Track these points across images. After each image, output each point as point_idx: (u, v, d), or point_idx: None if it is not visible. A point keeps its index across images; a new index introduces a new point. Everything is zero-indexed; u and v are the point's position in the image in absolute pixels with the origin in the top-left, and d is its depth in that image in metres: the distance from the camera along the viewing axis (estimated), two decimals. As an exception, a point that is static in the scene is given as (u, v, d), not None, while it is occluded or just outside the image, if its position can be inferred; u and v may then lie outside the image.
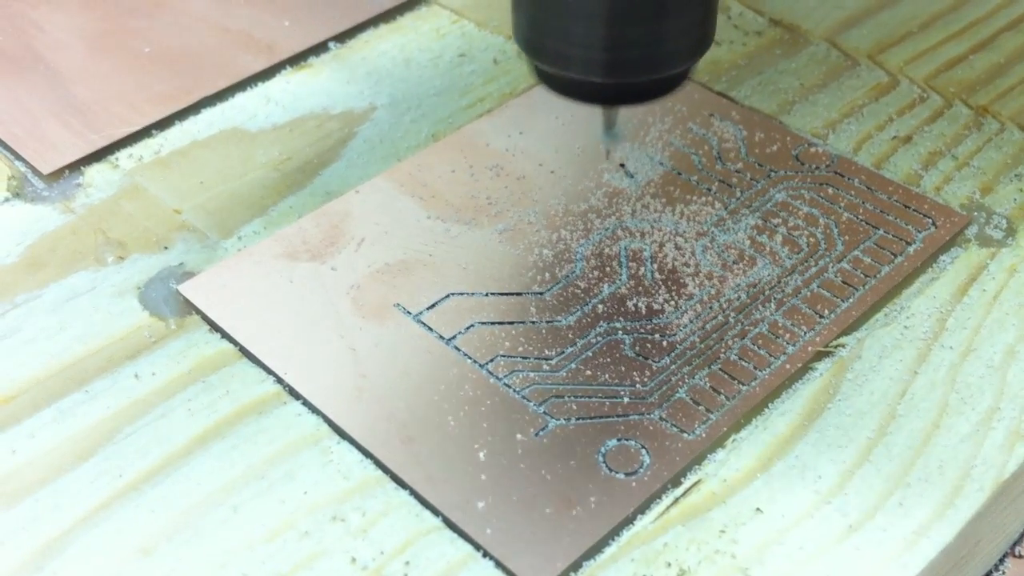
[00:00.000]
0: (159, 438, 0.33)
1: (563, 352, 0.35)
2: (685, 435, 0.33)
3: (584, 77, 0.32)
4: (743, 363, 0.34)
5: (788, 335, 0.35)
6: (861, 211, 0.39)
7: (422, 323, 0.36)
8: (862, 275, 0.37)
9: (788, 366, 0.34)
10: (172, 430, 0.33)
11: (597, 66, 0.31)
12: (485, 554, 0.30)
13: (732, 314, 0.36)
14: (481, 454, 0.32)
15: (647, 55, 0.31)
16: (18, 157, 0.42)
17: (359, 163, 0.42)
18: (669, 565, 0.30)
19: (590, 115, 0.43)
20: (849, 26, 0.48)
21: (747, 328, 0.35)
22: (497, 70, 0.46)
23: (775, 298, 0.36)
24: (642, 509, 0.31)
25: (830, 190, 0.40)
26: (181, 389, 0.34)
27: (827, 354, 0.35)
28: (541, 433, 0.33)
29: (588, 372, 0.34)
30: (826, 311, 0.36)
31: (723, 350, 0.35)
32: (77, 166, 0.42)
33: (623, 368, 0.34)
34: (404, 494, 0.31)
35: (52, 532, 0.31)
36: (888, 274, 0.37)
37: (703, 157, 0.41)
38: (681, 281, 0.37)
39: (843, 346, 0.35)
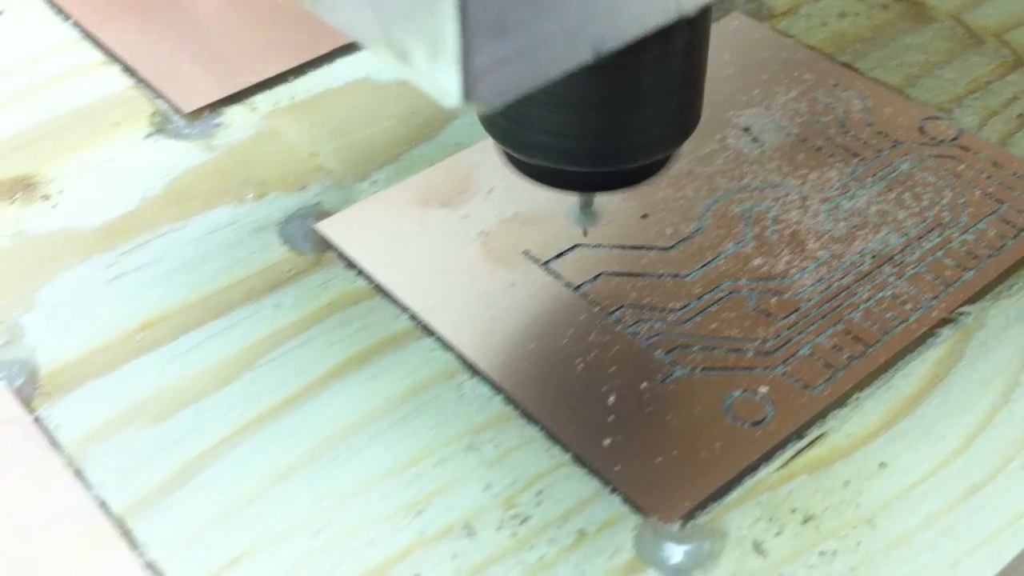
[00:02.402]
0: (299, 367, 0.34)
1: (688, 305, 0.36)
2: (809, 390, 0.33)
3: (558, 166, 0.30)
4: (867, 325, 0.35)
5: (912, 301, 0.36)
6: (986, 185, 0.39)
7: (550, 271, 0.37)
8: (986, 247, 0.37)
9: (912, 329, 0.35)
10: (312, 359, 0.34)
11: (572, 155, 0.29)
12: (613, 490, 0.31)
13: (856, 278, 0.36)
14: (609, 397, 0.33)
15: (625, 144, 0.29)
16: (159, 95, 0.44)
17: (487, 117, 0.43)
18: (794, 511, 0.30)
19: (713, 81, 0.43)
20: (975, 5, 0.48)
21: (871, 292, 0.36)
22: (622, 33, 0.47)
23: (899, 265, 0.37)
24: (766, 458, 0.32)
25: (955, 163, 0.40)
26: (319, 321, 0.35)
27: (951, 321, 0.35)
28: (667, 380, 0.34)
29: (713, 325, 0.35)
30: (950, 280, 0.36)
31: (847, 312, 0.35)
32: (216, 107, 0.43)
33: (747, 323, 0.35)
34: (535, 429, 0.32)
35: (196, 450, 0.32)
36: (1012, 247, 0.37)
37: (828, 126, 0.42)
38: (805, 244, 0.37)
39: (967, 314, 0.36)
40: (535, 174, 0.31)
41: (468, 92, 0.18)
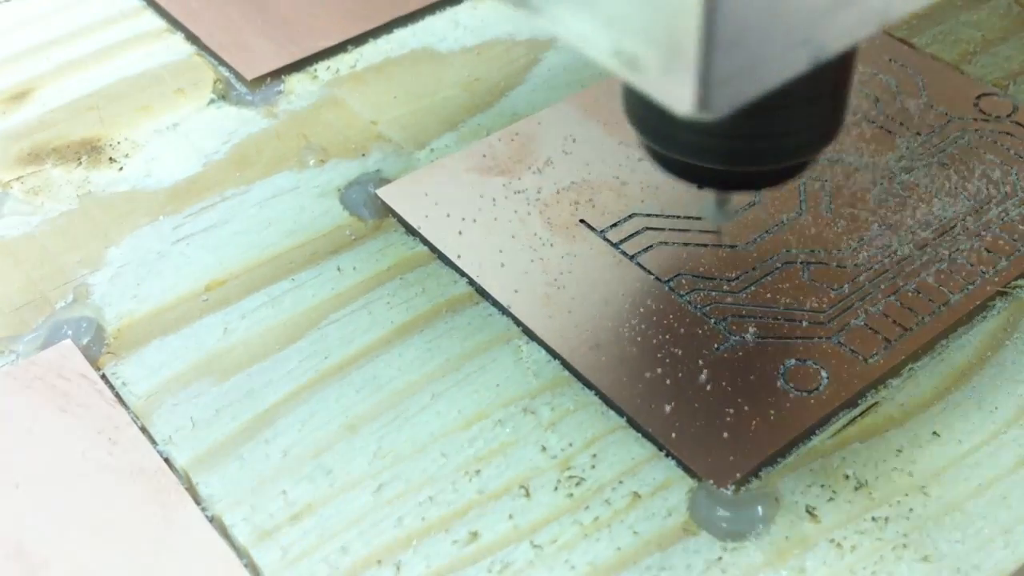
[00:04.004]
0: (362, 327, 0.35)
1: (743, 275, 0.36)
2: (863, 360, 0.34)
3: (697, 162, 0.30)
4: (921, 297, 0.35)
5: (966, 273, 0.36)
6: (1042, 160, 0.40)
7: (607, 240, 0.37)
8: (1041, 222, 0.38)
9: (966, 302, 0.35)
10: (374, 321, 0.35)
11: (712, 153, 0.29)
12: (668, 454, 0.32)
13: (910, 250, 0.37)
14: (664, 363, 0.34)
15: (769, 146, 0.29)
16: (222, 63, 0.44)
17: (543, 88, 0.44)
18: (847, 477, 0.31)
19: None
20: (1033, -19, 0.48)
21: (925, 264, 0.36)
22: (678, 7, 0.47)
23: (953, 238, 0.37)
24: (820, 425, 0.32)
25: (1010, 138, 0.40)
26: (380, 284, 0.36)
27: (1005, 294, 0.36)
28: (721, 348, 0.34)
29: (767, 295, 0.35)
30: (1004, 254, 0.36)
31: (901, 283, 0.36)
32: (278, 75, 0.44)
33: (801, 294, 0.35)
34: (591, 394, 0.33)
35: (264, 404, 0.33)
36: (1068, 222, 0.38)
37: (884, 100, 0.42)
38: (860, 216, 0.38)
39: (1021, 287, 0.36)
40: (676, 169, 0.31)
41: (702, 101, 0.19)
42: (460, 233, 0.38)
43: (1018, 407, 0.32)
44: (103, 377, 0.34)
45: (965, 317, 0.35)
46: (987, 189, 0.39)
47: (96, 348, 0.35)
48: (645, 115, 0.30)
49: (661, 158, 0.31)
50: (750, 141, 0.29)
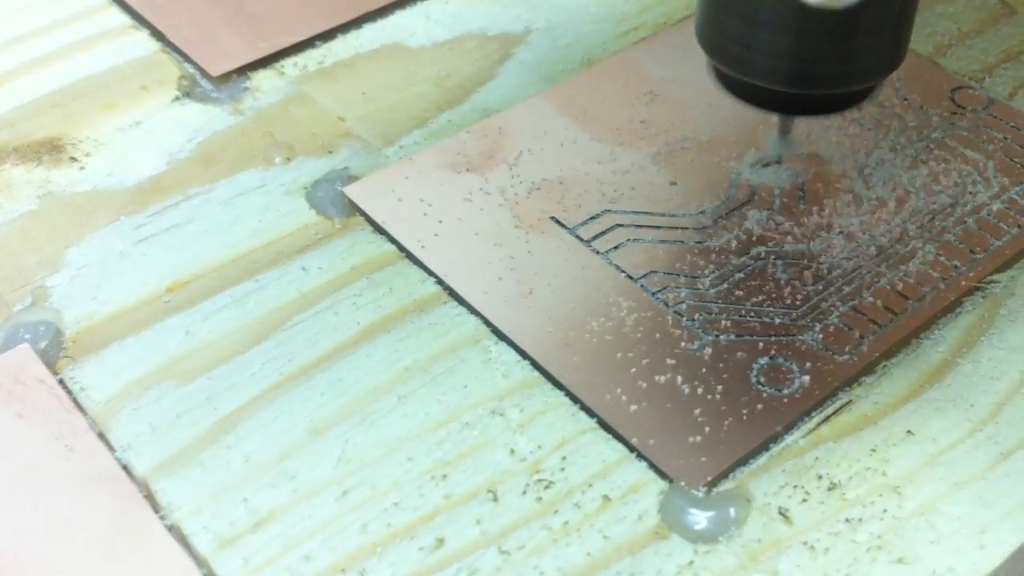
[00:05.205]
0: (327, 328, 0.34)
1: (716, 272, 0.35)
2: (837, 357, 0.33)
3: (767, 85, 0.31)
4: (896, 293, 0.35)
5: (941, 269, 0.35)
6: (1017, 154, 0.39)
7: (578, 237, 0.37)
8: (1016, 215, 0.37)
9: (941, 298, 0.35)
10: (339, 322, 0.34)
11: (783, 76, 0.31)
12: (639, 456, 0.31)
13: (885, 246, 0.36)
14: (636, 363, 0.33)
15: (836, 69, 0.31)
16: (187, 59, 0.44)
17: (515, 83, 0.43)
18: (820, 478, 0.30)
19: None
20: (1009, -27, 0.48)
21: (900, 260, 0.36)
22: (652, 0, 0.47)
23: (929, 232, 0.36)
24: (793, 425, 0.32)
25: (987, 131, 0.40)
26: (347, 284, 0.35)
27: (980, 289, 0.35)
28: (694, 347, 0.33)
29: (740, 292, 0.35)
30: (980, 248, 0.36)
31: (876, 279, 0.35)
32: (244, 71, 0.43)
33: (775, 291, 0.35)
34: (561, 395, 0.32)
35: (227, 408, 0.32)
36: (1044, 216, 0.37)
37: (859, 93, 0.42)
38: (834, 212, 0.37)
39: (996, 282, 0.35)
40: (746, 94, 0.33)
41: None
42: (428, 231, 0.37)
43: (994, 404, 0.32)
44: (61, 382, 0.33)
45: (940, 313, 0.34)
46: (962, 183, 0.38)
47: (54, 352, 0.34)
48: (722, 43, 0.31)
49: (733, 84, 0.33)
50: (820, 64, 0.31)
